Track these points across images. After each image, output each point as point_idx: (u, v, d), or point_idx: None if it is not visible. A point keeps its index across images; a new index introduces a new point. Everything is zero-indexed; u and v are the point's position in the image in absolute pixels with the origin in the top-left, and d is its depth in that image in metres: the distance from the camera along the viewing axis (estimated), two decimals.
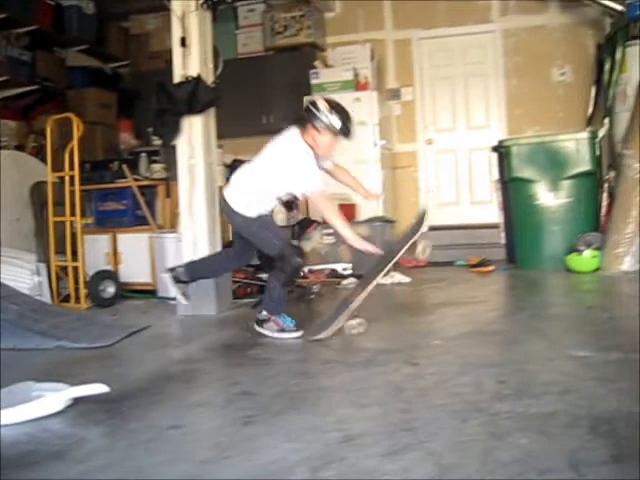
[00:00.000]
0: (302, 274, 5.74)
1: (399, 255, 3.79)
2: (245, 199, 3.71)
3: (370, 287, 3.65)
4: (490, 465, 1.81)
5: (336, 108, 3.58)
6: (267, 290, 3.89)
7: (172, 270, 4.19)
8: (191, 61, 4.78)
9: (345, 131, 3.60)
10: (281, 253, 3.65)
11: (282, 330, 3.70)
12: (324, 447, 1.99)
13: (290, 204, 7.75)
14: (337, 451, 1.95)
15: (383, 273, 3.75)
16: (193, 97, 4.72)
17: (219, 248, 4.92)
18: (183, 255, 4.79)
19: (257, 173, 3.75)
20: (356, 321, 3.69)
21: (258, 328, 3.80)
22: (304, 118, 3.61)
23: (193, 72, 4.75)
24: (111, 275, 5.60)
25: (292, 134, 3.66)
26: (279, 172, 3.64)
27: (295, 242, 3.82)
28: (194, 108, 4.73)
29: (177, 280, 4.17)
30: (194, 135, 4.77)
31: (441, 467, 1.80)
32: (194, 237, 4.77)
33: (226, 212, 3.86)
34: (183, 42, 4.78)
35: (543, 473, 1.75)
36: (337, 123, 3.54)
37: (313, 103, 3.62)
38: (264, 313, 3.79)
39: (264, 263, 5.69)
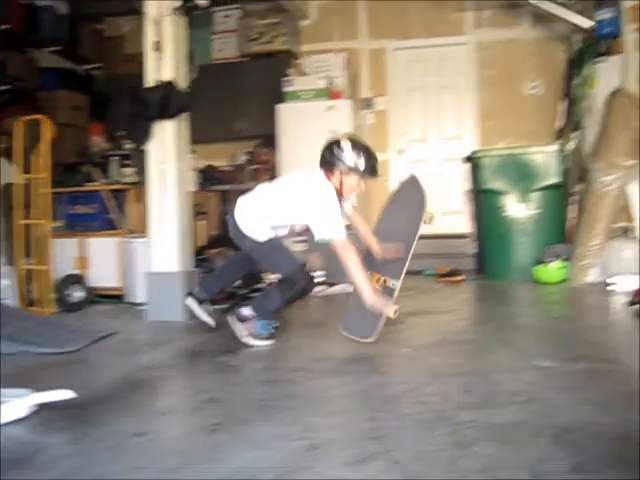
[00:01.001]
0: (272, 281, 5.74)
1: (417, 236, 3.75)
2: (257, 223, 3.61)
3: (402, 277, 3.66)
4: (454, 474, 1.82)
5: (360, 147, 3.45)
6: (266, 293, 3.84)
7: (191, 294, 4.13)
8: (164, 65, 4.76)
9: (372, 171, 3.45)
10: (292, 277, 3.56)
11: (252, 336, 3.68)
12: (290, 456, 2.00)
13: None
14: (303, 460, 1.96)
15: (409, 260, 3.70)
16: (165, 102, 4.70)
17: (189, 254, 4.90)
18: (152, 261, 4.77)
19: (275, 202, 3.64)
20: None
21: (232, 321, 3.74)
22: (327, 159, 3.47)
23: (166, 77, 4.74)
24: (79, 279, 5.55)
25: (318, 173, 3.52)
26: (301, 208, 3.51)
27: (307, 265, 3.69)
28: (166, 113, 4.72)
29: (199, 301, 4.09)
30: (166, 140, 4.76)
31: (406, 476, 1.82)
32: (164, 242, 4.74)
33: (234, 234, 3.73)
34: (157, 46, 4.76)
35: None
36: (362, 163, 3.40)
37: (336, 143, 3.48)
38: (248, 311, 3.70)
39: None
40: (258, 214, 3.64)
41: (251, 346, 3.64)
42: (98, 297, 5.67)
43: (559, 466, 1.86)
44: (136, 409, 2.60)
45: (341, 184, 3.42)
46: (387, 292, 3.61)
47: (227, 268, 4.35)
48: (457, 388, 2.68)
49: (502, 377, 2.91)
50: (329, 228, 3.36)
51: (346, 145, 3.42)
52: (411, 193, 3.95)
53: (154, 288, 4.76)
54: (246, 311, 3.70)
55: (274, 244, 3.63)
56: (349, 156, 3.39)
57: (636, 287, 4.73)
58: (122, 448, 2.15)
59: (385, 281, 3.69)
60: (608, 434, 2.13)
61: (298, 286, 3.55)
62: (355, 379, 2.89)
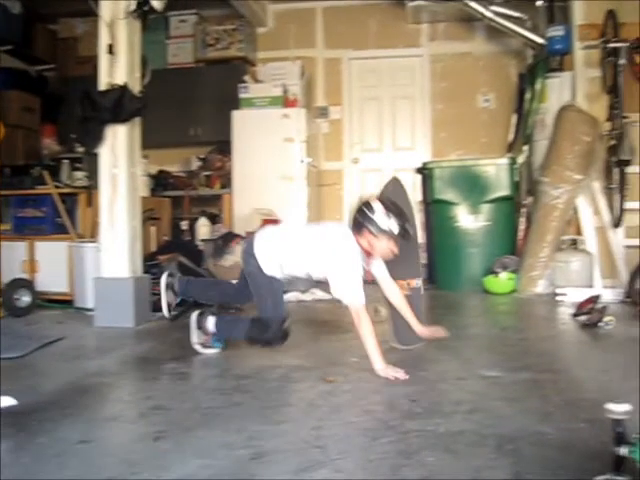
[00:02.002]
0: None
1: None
2: (274, 259, 3.43)
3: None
4: None
5: (392, 209, 3.25)
6: (236, 320, 3.80)
7: (171, 275, 3.99)
8: (118, 69, 4.72)
9: (404, 234, 3.27)
10: (267, 324, 3.41)
11: (203, 345, 3.65)
12: (234, 464, 1.99)
13: (215, 217, 7.74)
14: (247, 468, 1.96)
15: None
16: (118, 106, 4.65)
17: (139, 260, 4.86)
18: (102, 266, 4.71)
19: (299, 246, 3.46)
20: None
21: (194, 320, 3.68)
22: (357, 221, 3.28)
23: (119, 80, 4.69)
24: (27, 284, 5.45)
25: (347, 231, 3.34)
26: (322, 262, 3.35)
27: (286, 324, 3.50)
28: (119, 117, 4.67)
29: (169, 286, 3.95)
30: (118, 144, 4.71)
31: None
32: (114, 248, 4.70)
33: (246, 254, 3.54)
34: (110, 49, 4.72)
35: None
36: (395, 226, 3.21)
37: (367, 205, 3.27)
38: (212, 328, 3.62)
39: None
40: (278, 248, 3.47)
41: (198, 353, 3.62)
42: (47, 302, 5.58)
43: (499, 474, 1.90)
44: (81, 416, 2.56)
45: (371, 246, 3.26)
46: (415, 292, 3.72)
47: (214, 284, 4.29)
48: (403, 397, 2.71)
49: (448, 387, 2.95)
50: (348, 291, 3.20)
51: (377, 207, 3.23)
52: (396, 196, 3.88)
53: (103, 294, 4.70)
54: (210, 327, 3.63)
55: (273, 284, 3.46)
56: (380, 219, 3.21)
57: (582, 299, 4.85)
58: (65, 456, 2.12)
59: (409, 283, 3.71)
60: (549, 442, 2.18)
61: (267, 335, 3.39)
62: (302, 388, 2.90)
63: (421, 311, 3.74)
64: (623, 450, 1.70)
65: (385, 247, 3.25)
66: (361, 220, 3.24)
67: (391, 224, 3.20)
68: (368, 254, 3.29)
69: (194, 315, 3.70)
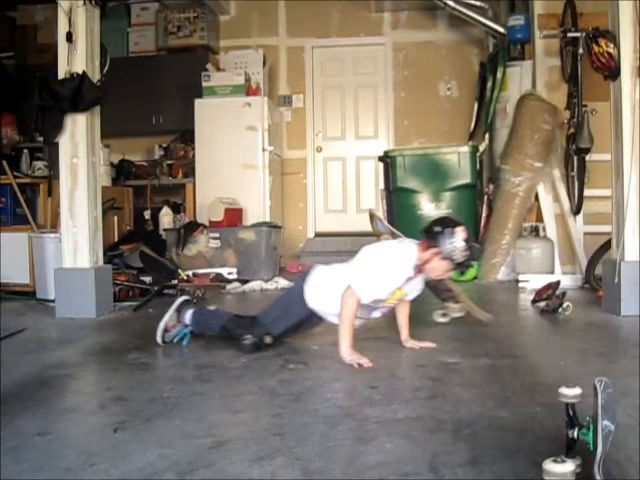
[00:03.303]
0: (187, 277, 5.71)
1: None
2: (326, 291, 3.29)
3: None
4: (354, 469, 1.86)
5: (470, 243, 3.20)
6: (216, 312, 3.73)
7: (187, 302, 3.74)
8: (77, 57, 4.64)
9: (462, 267, 3.25)
10: (256, 323, 3.35)
11: (166, 331, 3.59)
12: (193, 453, 1.99)
13: (178, 206, 7.71)
14: (206, 457, 1.96)
15: None
16: (77, 95, 4.59)
17: (101, 250, 4.82)
18: (63, 257, 4.66)
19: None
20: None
21: (178, 302, 3.62)
22: (435, 234, 3.20)
23: (78, 69, 4.62)
24: None
25: (408, 246, 3.28)
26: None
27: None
28: (78, 106, 4.61)
29: (179, 309, 3.66)
30: (77, 133, 4.65)
31: (307, 472, 1.84)
32: (75, 238, 4.64)
33: (298, 289, 3.37)
34: (69, 37, 4.64)
35: (405, 475, 1.82)
36: (461, 258, 3.16)
37: (452, 227, 3.19)
38: (188, 320, 3.56)
39: (147, 265, 5.63)
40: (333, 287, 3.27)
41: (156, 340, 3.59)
42: (8, 294, 5.50)
43: (455, 459, 1.92)
44: (40, 408, 2.54)
45: (428, 262, 3.19)
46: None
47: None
48: (363, 384, 2.72)
49: (408, 373, 2.99)
50: (360, 277, 3.13)
51: (460, 235, 3.15)
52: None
53: (64, 285, 4.65)
54: (187, 318, 3.57)
55: (299, 310, 3.32)
56: (456, 247, 3.15)
57: (541, 285, 4.92)
58: (22, 449, 2.10)
59: None
60: (506, 427, 2.21)
61: (243, 332, 3.31)
62: (263, 376, 2.90)
63: None
64: (575, 433, 1.74)
65: (440, 270, 3.21)
66: (439, 236, 3.17)
67: (461, 255, 3.16)
68: (420, 268, 3.22)
69: (180, 299, 3.68)
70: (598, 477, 1.55)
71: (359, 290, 3.09)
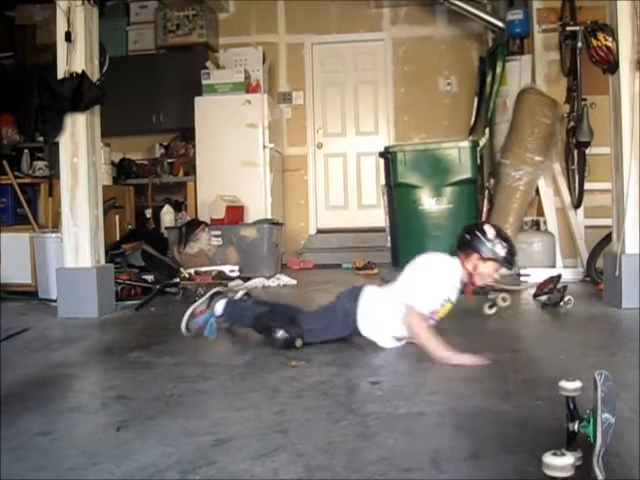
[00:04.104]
0: (189, 275, 5.72)
1: None
2: (381, 319, 3.31)
3: None
4: (356, 465, 1.87)
5: (503, 236, 3.27)
6: (250, 306, 3.67)
7: (219, 293, 3.76)
8: (76, 57, 4.65)
9: (509, 261, 3.26)
10: (295, 323, 3.34)
11: (192, 316, 3.61)
12: (196, 451, 2.00)
13: (179, 204, 7.71)
14: (209, 454, 1.97)
15: None
16: (77, 94, 4.60)
17: (102, 250, 4.83)
18: (65, 256, 4.67)
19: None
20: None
21: (211, 292, 3.69)
22: (467, 242, 3.25)
23: (78, 68, 4.63)
24: None
25: (451, 259, 3.29)
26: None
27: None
28: (78, 105, 4.62)
29: (212, 297, 3.70)
30: (77, 133, 4.66)
31: (309, 468, 1.85)
32: (76, 238, 4.65)
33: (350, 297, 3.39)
34: (68, 37, 4.65)
35: (406, 471, 1.82)
36: (502, 251, 3.20)
37: (479, 228, 3.27)
38: (219, 310, 3.59)
39: (149, 264, 5.64)
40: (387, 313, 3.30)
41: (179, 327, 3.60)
42: (9, 294, 5.52)
43: (457, 453, 1.93)
44: (43, 408, 2.55)
45: (475, 269, 3.23)
46: None
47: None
48: (365, 380, 2.74)
49: (409, 369, 2.99)
50: (418, 297, 3.14)
51: (490, 231, 3.23)
52: None
53: (66, 284, 4.66)
54: (218, 308, 3.59)
55: (343, 324, 3.32)
56: (491, 243, 3.20)
57: (542, 279, 4.92)
58: (25, 448, 2.11)
59: None
60: (507, 421, 2.22)
61: (276, 332, 3.29)
62: (266, 373, 2.91)
63: None
64: (575, 426, 1.75)
65: (489, 272, 3.23)
66: (472, 242, 3.22)
67: (500, 250, 3.19)
68: (470, 278, 3.25)
69: (214, 289, 3.73)
70: (597, 469, 1.56)
71: (419, 307, 3.12)
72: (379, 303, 3.32)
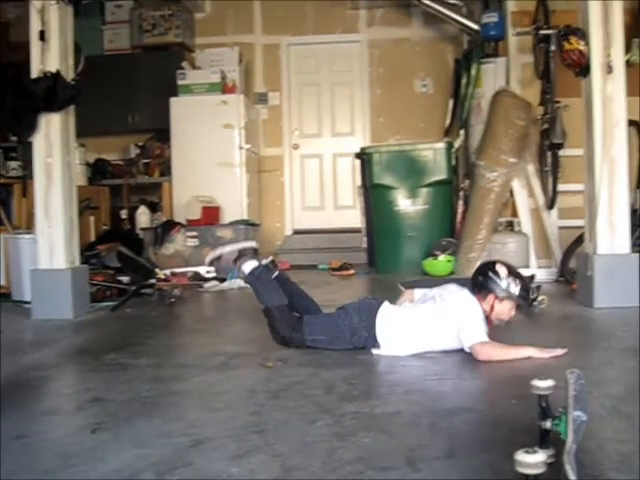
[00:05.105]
0: (165, 276, 5.69)
1: None
2: (400, 332, 3.25)
3: None
4: (333, 464, 1.88)
5: (515, 273, 3.25)
6: (273, 287, 3.50)
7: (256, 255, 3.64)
8: (50, 56, 4.61)
9: (524, 297, 3.26)
10: (298, 327, 3.32)
11: (214, 259, 3.65)
12: (172, 452, 2.00)
13: (155, 205, 7.68)
14: (185, 456, 1.97)
15: None
16: (51, 94, 4.56)
17: (77, 251, 4.79)
18: (39, 257, 4.63)
19: (422, 323, 3.26)
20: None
21: (245, 245, 3.65)
22: (481, 283, 3.24)
23: (52, 68, 4.60)
24: None
25: (466, 292, 3.27)
26: (449, 324, 3.20)
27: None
28: (52, 105, 4.58)
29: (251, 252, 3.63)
30: (52, 133, 4.62)
31: (285, 468, 1.86)
32: (50, 239, 4.61)
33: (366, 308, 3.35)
34: (42, 36, 4.61)
35: (382, 470, 1.84)
36: (517, 290, 3.19)
37: (491, 268, 3.25)
38: (247, 268, 3.51)
39: (124, 265, 5.61)
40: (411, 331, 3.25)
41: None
42: None
43: (432, 452, 1.95)
44: (17, 411, 2.53)
45: (492, 309, 3.21)
46: None
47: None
48: (342, 381, 2.75)
49: (384, 369, 3.00)
50: (474, 329, 3.10)
51: (502, 270, 3.21)
52: None
53: (40, 286, 4.62)
54: (246, 268, 3.50)
55: (344, 343, 3.29)
56: (505, 282, 3.19)
57: None
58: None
59: None
60: (482, 419, 2.25)
61: (278, 331, 3.34)
62: (241, 374, 2.92)
63: None
64: (548, 424, 1.77)
65: (506, 311, 3.22)
66: (486, 283, 3.21)
67: (515, 288, 3.19)
68: (489, 320, 3.23)
69: (251, 243, 3.68)
70: (568, 465, 1.58)
71: (480, 337, 3.08)
72: (399, 329, 3.24)
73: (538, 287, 4.55)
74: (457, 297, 3.25)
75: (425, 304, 3.32)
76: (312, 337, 3.31)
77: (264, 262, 3.57)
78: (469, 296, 3.23)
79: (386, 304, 3.34)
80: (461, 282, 3.44)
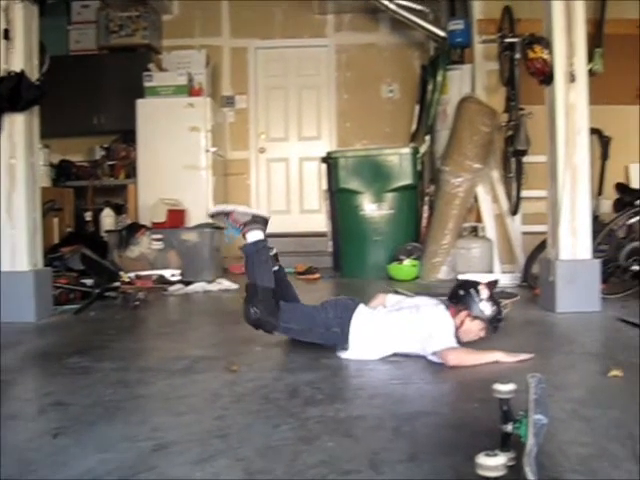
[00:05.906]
0: (129, 279, 5.65)
1: None
2: (373, 335, 3.25)
3: None
4: (296, 468, 1.88)
5: (494, 300, 3.31)
6: (267, 269, 3.47)
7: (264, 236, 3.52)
8: (14, 56, 4.56)
9: (495, 325, 3.32)
10: (272, 321, 3.29)
11: (220, 213, 3.54)
12: (135, 456, 1.99)
13: (120, 207, 7.62)
14: (148, 460, 1.96)
15: None
16: (15, 94, 4.51)
17: (40, 253, 4.74)
18: (2, 259, 4.57)
19: (393, 328, 3.27)
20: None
21: (257, 213, 3.52)
22: (460, 297, 3.29)
23: (16, 67, 4.54)
24: None
25: (441, 308, 3.31)
26: (418, 331, 3.20)
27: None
28: (16, 105, 4.52)
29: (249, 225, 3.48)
30: (15, 133, 4.56)
31: (249, 472, 1.86)
32: (13, 241, 4.55)
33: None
34: (6, 35, 4.56)
35: (346, 473, 1.84)
36: (491, 313, 3.26)
37: (474, 286, 3.31)
38: (252, 238, 3.44)
39: (88, 268, 5.56)
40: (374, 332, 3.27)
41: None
42: None
43: (395, 455, 1.96)
44: None
45: (462, 324, 3.25)
46: None
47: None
48: (306, 385, 2.75)
49: (349, 373, 3.02)
50: (440, 336, 3.12)
51: (484, 293, 3.27)
52: None
53: (2, 288, 4.54)
54: (250, 237, 3.44)
55: (319, 337, 3.32)
56: (484, 304, 3.26)
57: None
58: None
59: None
60: (444, 423, 2.27)
61: (254, 310, 3.29)
62: (206, 378, 2.91)
63: None
64: (509, 427, 1.80)
65: (474, 330, 3.28)
66: (464, 298, 3.27)
67: (490, 312, 3.26)
68: (457, 334, 3.25)
69: (265, 213, 3.57)
70: (527, 468, 1.61)
71: (448, 343, 3.11)
72: (371, 332, 3.25)
73: (502, 292, 4.62)
74: (432, 310, 3.29)
75: (400, 312, 3.34)
76: (285, 325, 3.30)
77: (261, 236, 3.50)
78: (444, 311, 3.27)
79: (362, 306, 3.36)
80: (439, 297, 3.50)
